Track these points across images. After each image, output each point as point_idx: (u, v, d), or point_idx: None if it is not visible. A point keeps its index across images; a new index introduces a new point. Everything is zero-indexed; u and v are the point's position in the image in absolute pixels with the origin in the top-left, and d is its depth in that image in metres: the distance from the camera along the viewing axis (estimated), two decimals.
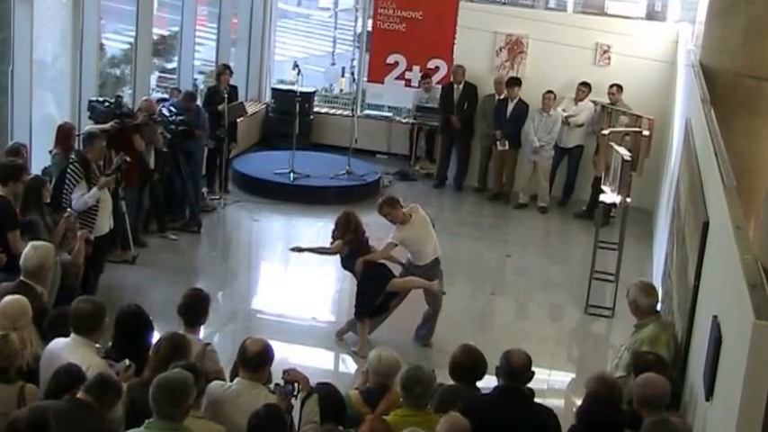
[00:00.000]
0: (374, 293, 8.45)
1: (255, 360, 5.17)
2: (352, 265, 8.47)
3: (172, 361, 5.02)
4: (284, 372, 5.25)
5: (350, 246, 8.41)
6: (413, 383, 5.07)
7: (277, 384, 5.25)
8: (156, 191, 10.69)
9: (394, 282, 8.48)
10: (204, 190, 12.14)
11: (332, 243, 8.55)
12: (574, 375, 8.78)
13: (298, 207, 12.47)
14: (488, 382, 5.44)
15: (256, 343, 5.23)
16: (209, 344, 5.85)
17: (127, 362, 5.30)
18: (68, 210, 8.13)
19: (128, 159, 9.05)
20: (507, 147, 13.28)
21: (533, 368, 5.29)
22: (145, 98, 10.61)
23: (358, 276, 8.48)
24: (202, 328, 6.13)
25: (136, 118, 9.95)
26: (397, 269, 8.69)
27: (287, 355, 7.94)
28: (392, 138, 15.11)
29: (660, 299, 6.63)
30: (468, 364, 5.43)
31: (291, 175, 12.88)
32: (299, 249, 8.85)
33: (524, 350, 5.30)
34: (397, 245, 8.47)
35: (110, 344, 5.72)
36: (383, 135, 15.12)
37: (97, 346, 5.50)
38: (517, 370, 5.19)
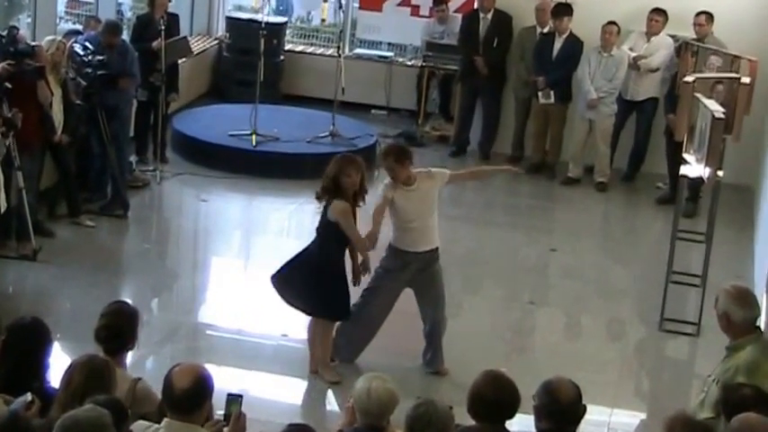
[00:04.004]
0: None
1: (183, 399, 5.08)
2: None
3: (89, 395, 4.99)
4: None
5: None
6: (423, 425, 5.06)
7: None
8: (67, 159, 10.66)
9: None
10: (133, 158, 12.14)
11: (324, 203, 8.11)
12: (644, 416, 8.80)
13: (262, 182, 12.47)
14: (523, 424, 5.43)
15: (185, 374, 5.07)
16: (139, 379, 5.82)
17: (29, 396, 5.29)
18: None
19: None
20: (553, 99, 13.27)
21: (587, 405, 5.27)
22: (12, 25, 10.50)
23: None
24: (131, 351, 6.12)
25: (38, 58, 9.93)
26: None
27: (247, 386, 7.92)
28: (393, 87, 15.12)
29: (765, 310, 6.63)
30: (494, 397, 5.40)
31: (254, 138, 12.87)
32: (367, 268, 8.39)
33: (570, 379, 5.29)
34: (386, 204, 8.22)
35: None
36: (381, 83, 15.13)
37: None
38: (566, 407, 5.16)
